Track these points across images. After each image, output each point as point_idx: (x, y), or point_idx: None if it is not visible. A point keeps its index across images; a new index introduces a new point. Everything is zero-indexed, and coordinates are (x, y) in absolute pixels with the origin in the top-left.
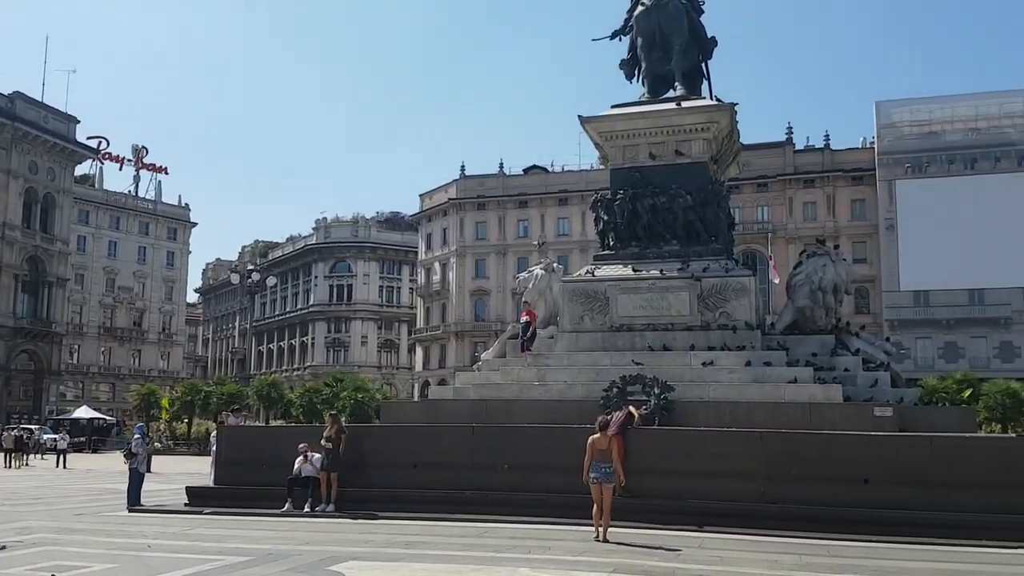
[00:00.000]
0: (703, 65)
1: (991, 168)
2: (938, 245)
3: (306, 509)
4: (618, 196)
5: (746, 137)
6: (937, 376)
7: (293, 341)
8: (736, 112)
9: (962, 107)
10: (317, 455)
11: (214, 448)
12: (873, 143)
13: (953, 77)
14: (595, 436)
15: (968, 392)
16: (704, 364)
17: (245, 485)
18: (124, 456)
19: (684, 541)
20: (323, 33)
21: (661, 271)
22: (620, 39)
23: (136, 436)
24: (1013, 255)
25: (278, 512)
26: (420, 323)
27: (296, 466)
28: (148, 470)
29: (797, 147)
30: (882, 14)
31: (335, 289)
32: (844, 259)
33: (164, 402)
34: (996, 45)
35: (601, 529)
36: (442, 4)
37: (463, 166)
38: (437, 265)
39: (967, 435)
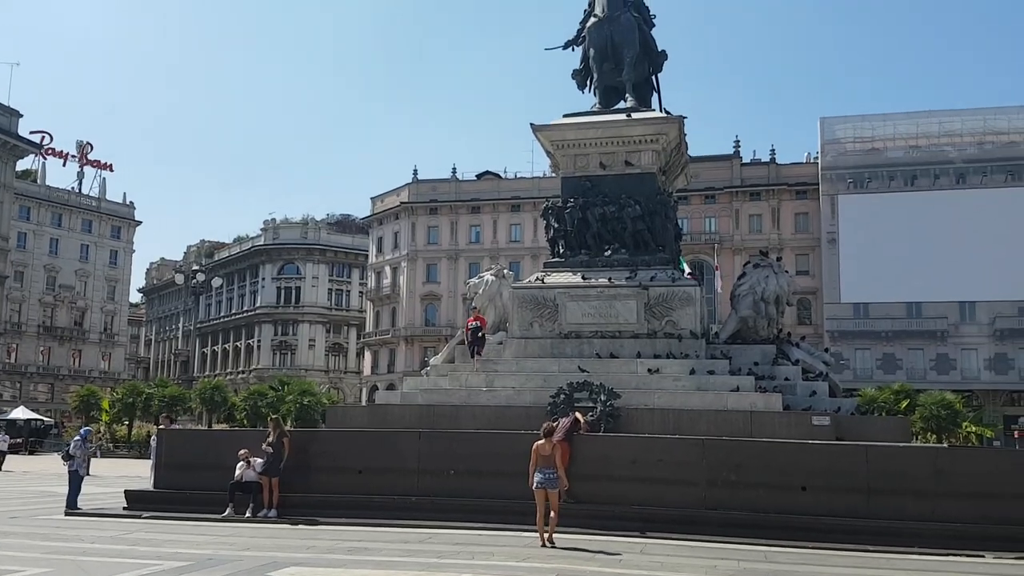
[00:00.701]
0: (653, 78)
1: (930, 185)
2: (878, 259)
3: (248, 514)
4: (568, 204)
5: (695, 150)
6: (876, 387)
7: (239, 343)
8: (684, 125)
9: (903, 125)
10: (259, 460)
11: (154, 451)
12: (817, 158)
13: (895, 96)
14: (540, 442)
15: (905, 403)
16: (650, 371)
17: (186, 489)
18: (62, 458)
19: (626, 547)
20: (275, 32)
21: (609, 279)
22: (573, 49)
23: (76, 438)
24: (950, 270)
25: (219, 517)
26: (369, 327)
27: (238, 471)
28: (88, 473)
29: (744, 160)
30: (828, 32)
31: (283, 291)
32: (786, 271)
33: (104, 404)
34: (937, 66)
35: (546, 534)
36: (396, 7)
37: (416, 170)
38: (388, 269)
39: (901, 444)
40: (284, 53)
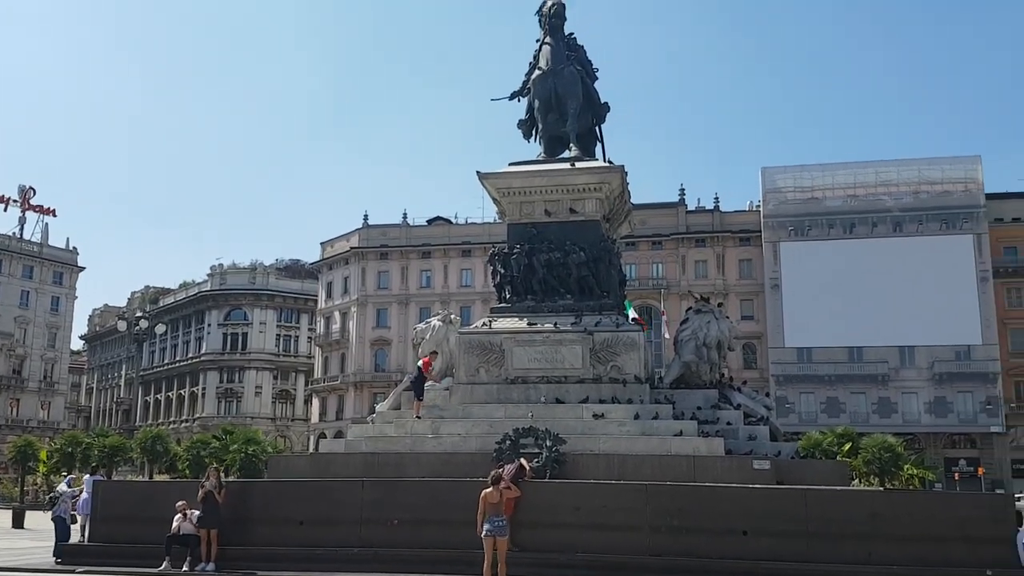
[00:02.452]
0: (597, 128)
1: (868, 233)
2: (820, 304)
3: (185, 568)
4: (515, 250)
5: (642, 197)
6: (820, 430)
7: (183, 391)
8: (626, 174)
9: (841, 175)
10: (197, 512)
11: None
12: (759, 206)
13: (834, 146)
14: (488, 490)
15: (848, 446)
16: (595, 416)
17: (121, 543)
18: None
19: None
20: (222, 77)
21: (555, 325)
22: (519, 100)
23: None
24: (889, 315)
25: (155, 571)
26: (318, 373)
27: (175, 523)
28: (21, 526)
29: (689, 208)
30: (770, 83)
31: (229, 337)
32: (727, 316)
33: (42, 455)
34: (874, 117)
35: None
36: (348, 51)
37: (366, 215)
38: (337, 314)
39: (839, 488)
40: (233, 98)
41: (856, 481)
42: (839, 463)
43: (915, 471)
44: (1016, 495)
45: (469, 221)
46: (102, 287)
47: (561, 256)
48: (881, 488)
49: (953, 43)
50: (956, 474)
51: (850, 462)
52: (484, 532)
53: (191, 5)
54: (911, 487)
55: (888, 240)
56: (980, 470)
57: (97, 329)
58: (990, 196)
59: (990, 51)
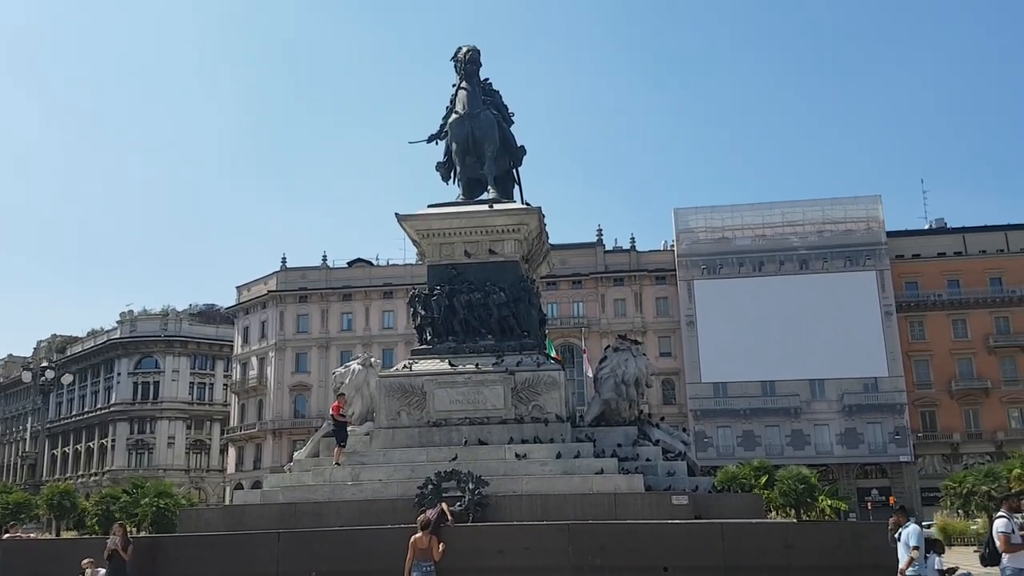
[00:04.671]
0: (514, 171)
1: (776, 270)
2: (734, 340)
3: None
4: (435, 292)
5: (561, 238)
6: (737, 463)
7: (91, 444)
8: (544, 215)
9: (749, 215)
10: (102, 571)
11: None
12: (673, 246)
13: (745, 187)
14: (417, 536)
15: (764, 478)
16: (518, 457)
17: None
18: None
19: None
20: (132, 116)
21: (477, 365)
22: (436, 143)
23: None
24: (799, 350)
25: None
26: (234, 421)
27: None
28: None
29: (607, 248)
30: (680, 126)
31: (140, 387)
32: (644, 354)
33: None
34: (780, 159)
35: None
36: (263, 92)
37: (284, 258)
38: (254, 360)
39: (754, 521)
40: (141, 139)
41: (773, 513)
42: (754, 496)
43: (829, 502)
44: (926, 524)
45: (390, 263)
46: (6, 336)
47: (482, 297)
48: (795, 520)
49: (852, 87)
50: (869, 503)
51: (767, 494)
52: None
53: (94, 45)
54: (826, 518)
55: (795, 277)
56: (891, 499)
57: (0, 380)
58: (891, 234)
59: (889, 94)
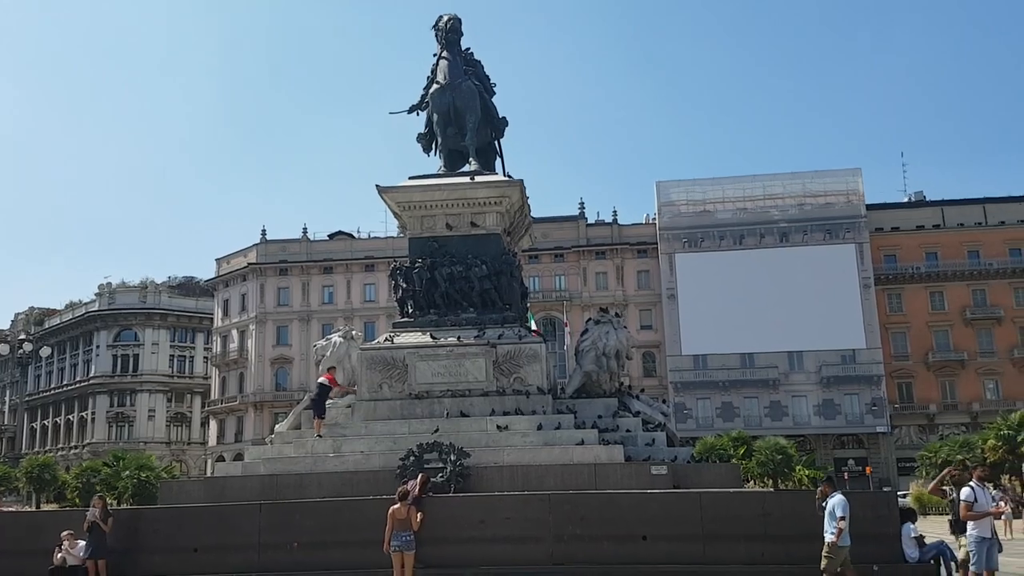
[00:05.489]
0: (496, 143)
1: (757, 243)
2: (714, 313)
3: None
4: (416, 265)
5: (544, 211)
6: (716, 434)
7: (71, 417)
8: (525, 188)
9: (731, 188)
10: (82, 543)
11: None
12: (655, 219)
13: (725, 161)
14: (395, 506)
15: (743, 449)
16: (499, 429)
17: None
18: None
19: None
20: (108, 89)
21: (459, 338)
22: (417, 114)
23: None
24: (778, 322)
25: None
26: (215, 394)
27: (59, 555)
28: None
29: (589, 221)
30: (662, 99)
31: (119, 359)
32: (625, 326)
33: None
34: (762, 131)
35: None
36: (243, 63)
37: (264, 230)
38: (235, 332)
39: (732, 490)
40: (120, 111)
41: (751, 483)
42: (732, 466)
43: (806, 472)
44: (901, 493)
45: (372, 235)
46: None
47: (463, 270)
48: (772, 489)
49: (833, 61)
50: (845, 474)
51: (745, 465)
52: (392, 548)
53: (70, 19)
54: (803, 487)
55: (775, 250)
56: (868, 469)
57: None
58: (870, 207)
59: (870, 67)
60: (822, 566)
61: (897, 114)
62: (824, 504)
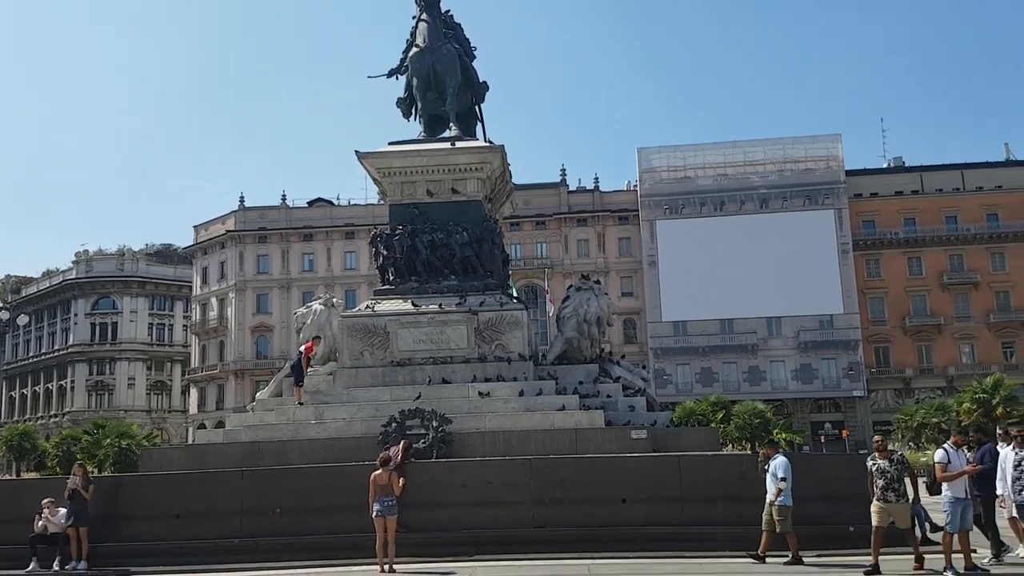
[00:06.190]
0: (477, 108)
1: (737, 210)
2: (694, 280)
3: (55, 568)
4: (397, 231)
5: (524, 178)
6: (695, 399)
7: (50, 385)
8: (507, 154)
9: (712, 154)
10: (63, 510)
11: None
12: (636, 186)
13: (707, 127)
14: (377, 472)
15: (721, 413)
16: (481, 395)
17: None
18: None
19: (457, 571)
20: (83, 53)
21: (440, 305)
22: (397, 78)
23: None
24: (757, 288)
25: (22, 573)
26: (195, 362)
27: (40, 522)
28: None
29: (571, 188)
30: (644, 65)
31: (98, 327)
32: (605, 293)
33: None
34: (742, 97)
35: (387, 564)
36: (220, 28)
37: (242, 197)
38: (214, 300)
39: (710, 453)
40: (96, 75)
41: (729, 447)
42: (711, 429)
43: (784, 435)
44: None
45: (352, 203)
46: None
47: (444, 237)
48: (750, 452)
49: (814, 26)
50: (822, 437)
51: (724, 429)
52: (375, 512)
53: None
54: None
55: (755, 217)
56: (844, 432)
57: None
58: (850, 172)
59: (850, 33)
60: (778, 529)
61: (877, 80)
62: (767, 467)
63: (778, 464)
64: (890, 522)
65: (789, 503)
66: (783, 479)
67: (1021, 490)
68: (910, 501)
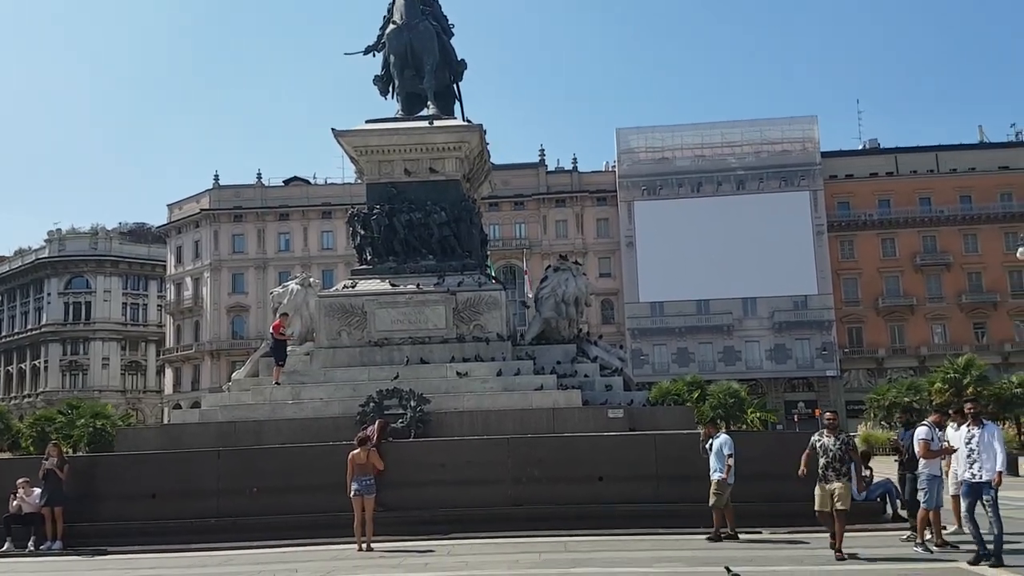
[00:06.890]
0: (455, 86)
1: (714, 191)
2: (671, 260)
3: (30, 548)
4: (375, 211)
5: (503, 158)
6: (671, 379)
7: (23, 365)
8: (485, 133)
9: (689, 136)
10: (37, 489)
11: None
12: (615, 167)
13: (684, 109)
14: (355, 451)
15: (697, 393)
16: (459, 375)
17: None
18: None
19: (436, 549)
20: (54, 28)
21: (418, 285)
22: (374, 55)
23: None
24: (733, 269)
25: None
26: (170, 342)
27: (15, 502)
28: None
29: (549, 169)
30: (623, 45)
31: (71, 307)
32: (584, 274)
33: None
34: (722, 80)
35: (364, 543)
36: (191, 3)
37: (217, 175)
38: (189, 280)
39: (685, 431)
40: (66, 51)
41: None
42: (686, 408)
43: (758, 414)
44: (850, 434)
45: (329, 181)
46: None
47: (422, 216)
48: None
49: (791, 8)
50: (796, 416)
51: (699, 408)
52: (353, 492)
53: None
54: (754, 429)
55: (732, 198)
56: (817, 411)
57: None
58: (825, 154)
59: (826, 14)
60: (711, 502)
61: (853, 63)
62: (709, 445)
63: (723, 441)
64: (833, 505)
65: (732, 480)
66: (730, 455)
67: (969, 467)
68: (853, 483)
